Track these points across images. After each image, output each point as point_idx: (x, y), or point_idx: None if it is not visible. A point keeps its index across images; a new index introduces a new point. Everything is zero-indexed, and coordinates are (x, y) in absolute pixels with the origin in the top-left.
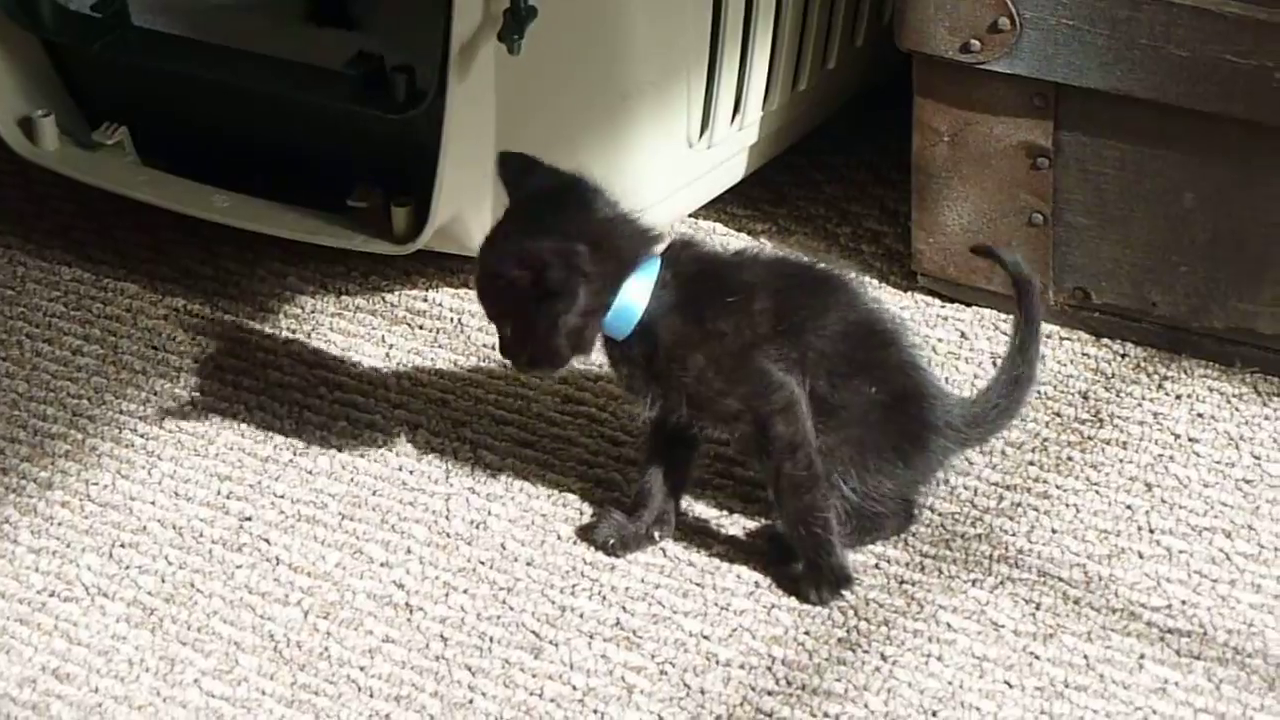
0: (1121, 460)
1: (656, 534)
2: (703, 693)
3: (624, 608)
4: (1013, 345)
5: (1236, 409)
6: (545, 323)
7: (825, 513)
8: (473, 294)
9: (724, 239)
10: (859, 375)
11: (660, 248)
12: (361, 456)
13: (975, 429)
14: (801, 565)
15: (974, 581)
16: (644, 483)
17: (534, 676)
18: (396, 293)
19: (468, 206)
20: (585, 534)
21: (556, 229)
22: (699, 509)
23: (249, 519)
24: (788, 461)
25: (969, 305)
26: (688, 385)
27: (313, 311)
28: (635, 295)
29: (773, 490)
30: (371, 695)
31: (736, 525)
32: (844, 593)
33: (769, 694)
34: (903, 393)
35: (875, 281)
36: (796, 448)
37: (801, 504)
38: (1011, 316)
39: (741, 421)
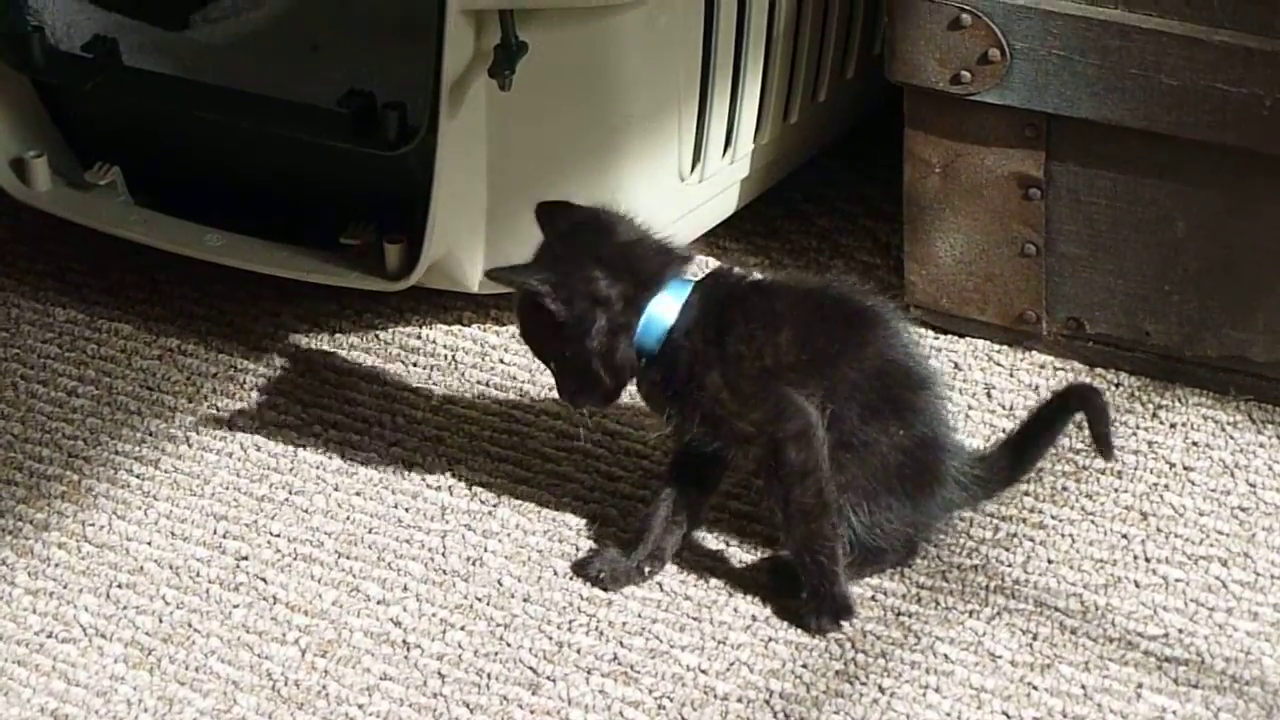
0: (1117, 489)
1: (648, 569)
2: None
3: (621, 642)
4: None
5: (1231, 437)
6: (576, 351)
7: (832, 542)
8: (466, 330)
9: None
10: (889, 414)
11: (690, 269)
12: (357, 494)
13: (981, 489)
14: (805, 594)
15: (971, 612)
16: (646, 515)
17: (532, 713)
18: (390, 330)
19: (460, 243)
20: (578, 568)
21: (574, 259)
22: (695, 543)
23: (245, 558)
24: (797, 488)
25: (962, 336)
26: (703, 404)
27: (306, 350)
28: (662, 312)
29: (781, 515)
30: None
31: (734, 559)
32: (843, 623)
33: None
34: (924, 440)
35: None
36: (807, 475)
37: (808, 531)
38: (1005, 348)
39: (754, 444)
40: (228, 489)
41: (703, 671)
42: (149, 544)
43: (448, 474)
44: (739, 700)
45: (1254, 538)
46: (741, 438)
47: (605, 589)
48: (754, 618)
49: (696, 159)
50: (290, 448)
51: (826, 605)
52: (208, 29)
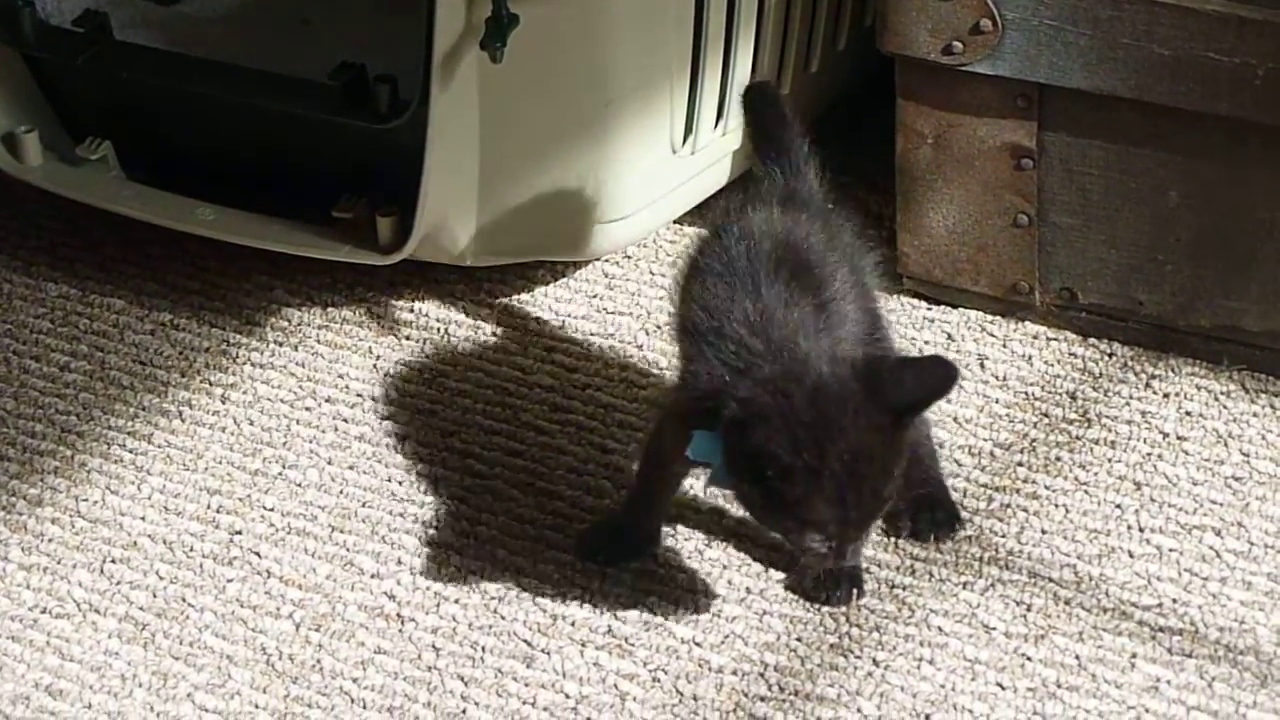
0: (1110, 460)
1: (648, 548)
2: (695, 699)
3: (615, 615)
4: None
5: (1225, 406)
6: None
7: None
8: (458, 303)
9: None
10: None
11: None
12: (351, 468)
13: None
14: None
15: (964, 584)
16: (647, 494)
17: (527, 685)
18: (382, 303)
19: (452, 215)
20: (576, 546)
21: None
22: (689, 517)
23: (239, 532)
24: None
25: (955, 307)
26: None
27: (299, 324)
28: None
29: None
30: (364, 707)
31: (729, 532)
32: (855, 592)
33: (762, 700)
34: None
35: None
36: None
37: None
38: (998, 319)
39: None
40: (221, 463)
41: (697, 644)
42: (142, 519)
43: (441, 447)
44: (733, 673)
45: (1248, 507)
46: None
47: (606, 566)
48: (748, 590)
49: (689, 131)
50: (283, 421)
51: (855, 578)
52: (198, 3)
